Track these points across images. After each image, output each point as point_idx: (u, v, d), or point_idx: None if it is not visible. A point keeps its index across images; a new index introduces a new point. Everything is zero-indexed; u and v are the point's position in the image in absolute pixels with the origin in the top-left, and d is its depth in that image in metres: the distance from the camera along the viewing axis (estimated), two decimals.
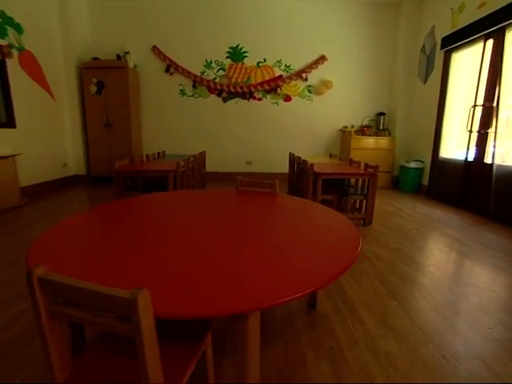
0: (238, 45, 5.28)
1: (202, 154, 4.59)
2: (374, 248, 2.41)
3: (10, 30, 3.85)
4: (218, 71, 5.37)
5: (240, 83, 5.39)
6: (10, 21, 3.84)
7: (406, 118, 5.19)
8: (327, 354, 1.22)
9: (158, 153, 4.38)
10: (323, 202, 3.23)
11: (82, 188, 4.77)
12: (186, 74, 5.32)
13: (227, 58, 5.33)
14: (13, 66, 3.89)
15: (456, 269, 2.09)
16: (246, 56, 5.32)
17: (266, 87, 5.40)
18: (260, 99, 5.48)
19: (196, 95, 5.44)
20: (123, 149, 5.09)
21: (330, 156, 4.70)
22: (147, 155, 3.86)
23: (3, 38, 3.74)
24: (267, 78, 5.39)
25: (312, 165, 2.88)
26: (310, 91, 5.46)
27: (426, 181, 4.65)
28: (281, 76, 5.38)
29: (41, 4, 4.35)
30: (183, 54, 5.28)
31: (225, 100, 5.47)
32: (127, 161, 3.12)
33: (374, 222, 3.13)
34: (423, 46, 4.81)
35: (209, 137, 5.61)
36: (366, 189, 3.01)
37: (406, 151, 5.22)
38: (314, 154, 5.60)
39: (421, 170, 4.71)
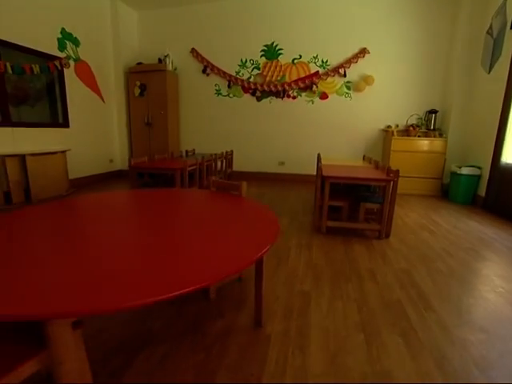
0: (272, 42, 5.16)
1: (228, 154, 4.62)
2: (374, 266, 2.08)
3: (69, 44, 4.44)
4: (252, 70, 5.34)
5: (274, 81, 5.27)
6: (69, 36, 4.44)
7: (462, 115, 4.39)
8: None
9: (187, 151, 4.57)
10: (332, 210, 2.96)
11: (124, 181, 5.26)
12: (222, 74, 5.42)
13: (262, 56, 5.26)
14: (69, 74, 4.49)
15: (472, 318, 1.65)
16: (280, 53, 5.17)
17: (301, 85, 5.17)
18: (295, 97, 5.27)
19: (231, 95, 5.50)
20: (161, 146, 5.45)
21: (364, 159, 4.27)
22: (172, 153, 4.06)
23: (62, 51, 4.34)
24: (302, 76, 5.15)
25: (321, 166, 2.63)
26: (348, 88, 5.03)
27: (483, 191, 3.86)
28: (317, 72, 5.08)
29: (96, 19, 4.91)
30: (219, 54, 5.40)
31: (258, 99, 5.41)
32: (146, 158, 3.32)
33: (394, 235, 2.72)
34: (490, 27, 3.99)
35: (242, 136, 5.63)
36: (383, 196, 2.63)
37: (460, 155, 4.42)
38: (351, 155, 5.17)
39: (477, 177, 3.93)
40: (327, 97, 5.15)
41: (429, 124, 4.72)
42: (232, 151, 4.74)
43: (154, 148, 5.49)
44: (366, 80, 4.86)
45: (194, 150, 4.83)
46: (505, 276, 1.98)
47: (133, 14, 5.55)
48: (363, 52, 4.82)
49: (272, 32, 5.13)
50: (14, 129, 3.77)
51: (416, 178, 4.54)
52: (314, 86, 5.12)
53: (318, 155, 4.04)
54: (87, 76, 4.82)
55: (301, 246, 2.44)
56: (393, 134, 4.69)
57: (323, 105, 5.19)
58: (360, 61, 4.87)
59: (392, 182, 2.50)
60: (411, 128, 4.62)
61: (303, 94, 5.24)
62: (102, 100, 5.20)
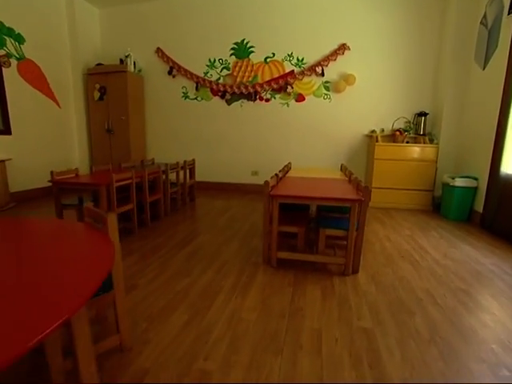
0: (243, 40, 4.65)
1: (188, 163, 4.07)
2: (324, 324, 1.49)
3: (9, 40, 3.94)
4: (221, 71, 4.83)
5: (245, 82, 4.75)
6: (9, 31, 3.94)
7: (456, 118, 3.82)
8: None
9: (142, 161, 4.02)
10: (284, 236, 2.38)
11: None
12: (189, 75, 4.91)
13: (232, 55, 4.75)
14: (11, 75, 3.98)
15: None
16: (252, 51, 4.66)
17: (275, 86, 4.64)
18: (268, 100, 4.74)
19: (199, 98, 4.98)
20: (123, 155, 4.91)
21: (341, 169, 3.70)
22: (120, 164, 3.52)
23: (0, 48, 3.84)
24: (276, 76, 4.63)
25: (267, 182, 2.06)
26: (327, 88, 4.50)
27: (480, 206, 3.27)
28: (292, 72, 4.56)
29: (47, 14, 4.43)
30: (186, 54, 4.90)
31: (228, 102, 4.88)
32: (68, 171, 2.76)
33: (366, 268, 2.13)
34: (484, 17, 3.46)
35: (212, 143, 5.09)
36: (356, 221, 2.04)
37: (454, 163, 3.85)
38: (332, 164, 4.60)
39: (473, 189, 3.34)
40: (304, 99, 4.61)
41: (418, 128, 4.16)
42: (194, 160, 4.20)
43: (116, 157, 4.95)
44: (347, 79, 4.32)
45: (153, 159, 4.29)
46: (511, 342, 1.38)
47: (94, 11, 5.07)
48: (342, 48, 4.30)
49: (242, 28, 4.62)
50: None
51: (403, 190, 3.95)
52: (289, 87, 4.59)
53: (288, 165, 3.49)
54: (35, 77, 4.32)
55: (237, 286, 1.85)
56: (377, 140, 4.13)
57: (300, 108, 4.65)
58: (339, 58, 4.35)
59: (359, 203, 1.92)
60: (398, 133, 4.06)
61: (277, 96, 4.71)
62: (57, 104, 4.69)
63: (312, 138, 4.70)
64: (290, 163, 3.81)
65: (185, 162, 3.92)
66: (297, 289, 1.84)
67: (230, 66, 4.78)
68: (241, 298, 1.72)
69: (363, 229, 1.98)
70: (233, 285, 1.88)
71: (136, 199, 2.83)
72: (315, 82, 4.52)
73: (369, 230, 3.10)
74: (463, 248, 2.61)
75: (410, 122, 4.24)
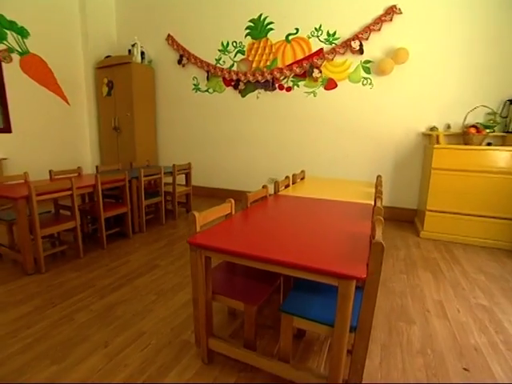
0: (260, 15, 3.75)
1: (183, 168, 3.37)
2: None
3: (11, 34, 3.75)
4: (235, 55, 4.00)
5: (262, 68, 3.84)
6: (11, 25, 3.74)
7: None
8: None
9: (131, 163, 3.46)
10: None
11: None
12: (199, 63, 4.21)
13: (247, 35, 3.88)
14: (12, 70, 3.79)
15: None
16: (271, 29, 3.72)
17: (297, 70, 3.63)
18: (289, 89, 3.76)
19: (210, 90, 4.25)
20: (130, 155, 4.48)
21: (377, 181, 2.56)
22: (96, 167, 3.00)
23: (0, 43, 3.66)
24: (301, 57, 3.62)
25: (193, 215, 1.18)
26: (367, 70, 3.32)
27: None
28: (321, 51, 3.49)
29: (56, 5, 4.18)
30: (197, 39, 4.20)
31: (243, 93, 4.04)
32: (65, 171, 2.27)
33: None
34: None
35: (223, 143, 4.32)
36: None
37: None
38: (374, 172, 3.43)
39: None
40: (335, 85, 3.50)
41: (509, 123, 2.74)
42: (189, 164, 3.48)
43: (123, 157, 4.54)
44: (396, 56, 3.08)
45: (148, 161, 3.70)
46: None
47: (109, 1, 4.73)
48: (390, 12, 3.07)
49: (259, 1, 3.72)
50: None
51: (476, 218, 2.62)
52: (316, 71, 3.53)
53: (297, 174, 2.53)
54: (40, 72, 4.10)
55: None
56: (437, 141, 2.85)
57: (330, 97, 3.55)
58: (385, 27, 3.13)
59: (357, 282, 0.90)
60: (472, 130, 2.71)
61: (301, 84, 3.68)
62: (66, 101, 4.46)
63: (345, 137, 3.57)
64: (303, 172, 2.82)
65: (174, 166, 3.22)
66: None
67: (245, 48, 3.92)
68: None
69: (369, 328, 0.95)
70: None
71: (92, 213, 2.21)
72: (351, 62, 3.37)
73: (409, 284, 1.97)
74: None
75: (494, 113, 2.82)
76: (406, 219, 3.44)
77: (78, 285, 1.86)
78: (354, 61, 3.35)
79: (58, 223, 2.10)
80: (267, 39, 3.77)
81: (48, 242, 2.45)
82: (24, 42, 3.89)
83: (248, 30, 3.86)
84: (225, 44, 4.03)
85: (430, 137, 3.08)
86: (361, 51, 3.26)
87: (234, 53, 3.99)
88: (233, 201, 1.45)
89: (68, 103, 4.49)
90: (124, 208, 2.60)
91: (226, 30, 3.99)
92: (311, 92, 3.65)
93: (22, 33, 3.86)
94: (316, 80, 3.57)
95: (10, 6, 3.69)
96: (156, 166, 3.35)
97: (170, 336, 1.40)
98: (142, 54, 4.41)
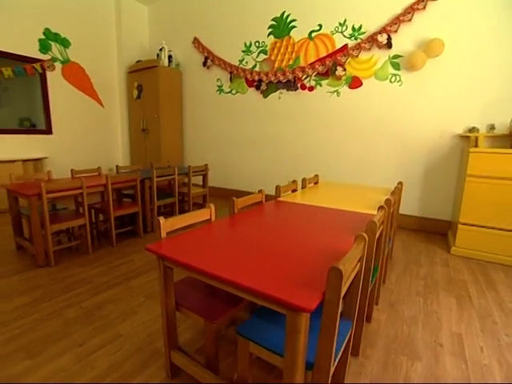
0: (283, 13, 3.63)
1: (201, 170, 3.39)
2: None
3: (54, 45, 4.11)
4: (258, 55, 3.93)
5: (285, 68, 3.72)
6: (55, 37, 4.10)
7: None
8: None
9: (152, 164, 3.56)
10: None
11: None
12: (223, 65, 4.22)
13: (269, 35, 3.79)
14: (55, 77, 4.16)
15: None
16: (293, 27, 3.59)
17: (320, 68, 3.44)
18: (312, 88, 3.58)
19: (233, 91, 4.24)
20: (156, 155, 4.65)
21: (395, 188, 2.31)
22: (117, 167, 3.14)
23: (45, 53, 4.03)
24: (323, 55, 3.42)
25: (158, 220, 1.12)
26: (396, 66, 3.01)
27: None
28: (345, 47, 3.26)
29: (96, 17, 4.49)
30: (222, 41, 4.21)
31: (265, 94, 3.95)
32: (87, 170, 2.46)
33: None
34: None
35: (245, 144, 4.28)
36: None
37: None
38: (402, 177, 3.12)
39: None
40: (360, 83, 3.25)
41: None
42: (206, 166, 3.48)
43: (150, 158, 4.73)
44: (429, 49, 2.75)
45: (169, 161, 3.79)
46: None
47: (142, 8, 4.97)
48: (423, 0, 2.75)
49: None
50: None
51: None
52: (340, 69, 3.31)
53: (309, 179, 2.38)
54: (79, 79, 4.45)
55: None
56: (476, 144, 2.48)
57: (354, 96, 3.31)
58: (416, 17, 2.81)
59: (302, 315, 0.76)
60: None
61: (323, 83, 3.48)
62: (101, 104, 4.78)
63: (370, 139, 3.29)
64: (317, 176, 2.65)
65: (189, 167, 3.25)
66: None
67: (268, 48, 3.83)
68: None
69: (327, 368, 0.80)
70: None
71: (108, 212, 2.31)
72: (378, 57, 3.10)
73: (425, 309, 1.71)
74: None
75: None
76: (437, 231, 3.06)
77: (78, 280, 1.93)
78: (381, 56, 3.07)
79: (69, 220, 2.21)
80: (290, 37, 3.63)
81: (65, 236, 2.61)
82: (66, 52, 4.24)
83: (271, 29, 3.76)
84: (248, 44, 3.98)
85: (467, 139, 2.70)
86: (389, 45, 2.98)
87: (257, 53, 3.93)
88: (213, 206, 1.37)
89: (102, 106, 4.81)
90: (135, 207, 2.67)
91: (249, 31, 3.94)
92: (334, 91, 3.43)
93: (64, 43, 4.22)
94: (339, 78, 3.35)
95: (54, 19, 4.04)
96: (175, 167, 3.41)
97: (145, 342, 1.37)
98: (170, 57, 4.56)
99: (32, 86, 4.03)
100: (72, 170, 2.75)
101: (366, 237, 0.96)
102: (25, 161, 3.77)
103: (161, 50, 4.44)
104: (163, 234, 1.13)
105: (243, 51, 4.04)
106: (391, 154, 3.21)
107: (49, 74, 4.10)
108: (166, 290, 1.07)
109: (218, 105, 4.43)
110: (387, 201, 1.59)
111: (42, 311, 1.59)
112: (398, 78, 3.02)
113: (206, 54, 4.37)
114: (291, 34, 3.62)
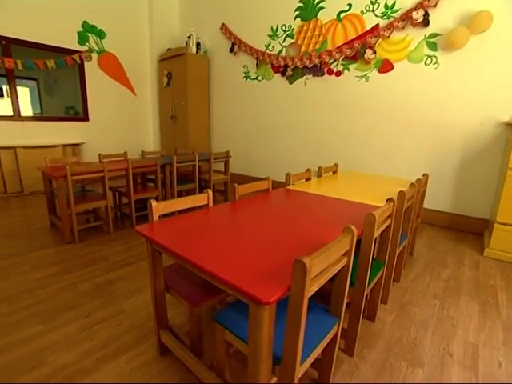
0: None
1: (222, 156, 3.42)
2: None
3: (91, 37, 4.34)
4: (284, 40, 3.79)
5: (311, 52, 3.55)
6: (92, 29, 4.33)
7: None
8: None
9: (176, 150, 3.67)
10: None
11: None
12: (249, 51, 4.15)
13: (296, 18, 3.62)
14: (91, 67, 4.41)
15: None
16: (321, 8, 3.38)
17: (348, 52, 3.23)
18: (339, 73, 3.38)
19: (259, 77, 4.16)
20: (184, 141, 4.78)
21: (418, 180, 2.12)
22: (142, 152, 3.29)
23: (83, 45, 4.28)
24: (352, 37, 3.20)
25: (150, 204, 1.15)
26: (432, 46, 2.72)
27: None
28: (376, 27, 3.01)
29: (128, 7, 4.65)
30: (249, 26, 4.13)
31: (290, 80, 3.83)
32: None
33: None
34: None
35: (270, 131, 4.21)
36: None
37: None
38: (434, 168, 2.87)
39: None
40: (391, 67, 2.99)
41: None
42: (228, 153, 3.48)
43: (178, 144, 4.88)
44: (473, 23, 2.43)
45: (194, 148, 3.87)
46: None
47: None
48: None
49: None
50: (25, 122, 3.94)
51: None
52: (370, 52, 3.07)
53: (319, 169, 2.30)
54: (113, 68, 4.67)
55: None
56: None
57: (384, 81, 3.06)
58: None
59: (263, 307, 0.73)
60: None
61: (351, 67, 3.27)
62: (133, 92, 5.00)
63: (401, 127, 3.05)
64: (336, 165, 2.53)
65: (210, 153, 3.29)
66: None
67: (294, 32, 3.67)
68: None
69: (293, 363, 0.76)
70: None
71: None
72: (412, 38, 2.81)
73: (440, 314, 1.58)
74: None
75: None
76: (471, 230, 2.78)
77: (96, 257, 2.08)
78: (415, 36, 2.79)
79: (93, 201, 2.37)
80: (317, 20, 3.44)
81: (92, 216, 2.81)
82: (101, 43, 4.46)
83: (298, 12, 3.59)
84: (274, 29, 3.85)
85: None
86: (425, 23, 2.68)
87: (283, 37, 3.79)
88: (210, 191, 1.37)
89: (135, 94, 5.02)
90: (155, 192, 2.78)
91: (275, 14, 3.80)
92: (363, 76, 3.20)
93: (101, 34, 4.44)
94: (369, 62, 3.11)
95: (91, 12, 4.26)
96: (196, 153, 3.48)
97: (144, 319, 1.44)
98: (198, 44, 4.58)
99: (76, 77, 4.33)
100: (100, 155, 2.93)
101: (355, 230, 0.88)
102: (64, 146, 4.10)
103: (189, 37, 4.48)
104: (155, 217, 1.15)
105: (269, 36, 3.92)
106: (422, 143, 2.94)
107: (86, 65, 4.36)
108: (154, 272, 1.10)
109: (245, 91, 4.39)
110: (400, 193, 1.47)
111: (61, 283, 1.74)
112: (434, 59, 2.72)
113: (233, 40, 4.32)
114: (319, 15, 3.42)
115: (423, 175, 2.10)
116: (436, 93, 2.76)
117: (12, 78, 3.80)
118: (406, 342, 1.36)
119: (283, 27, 3.77)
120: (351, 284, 1.13)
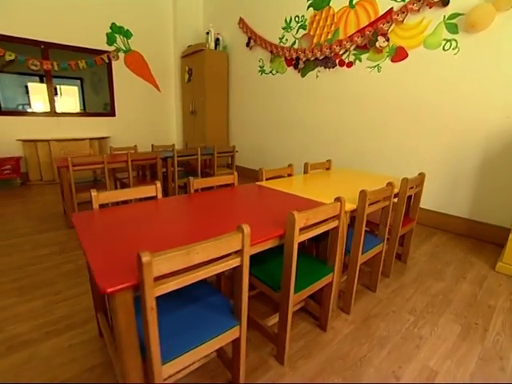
0: None
1: (228, 151, 3.45)
2: None
3: (119, 37, 4.65)
4: (297, 32, 3.66)
5: (323, 42, 3.38)
6: (119, 29, 4.64)
7: None
8: None
9: (186, 144, 3.80)
10: None
11: None
12: (264, 44, 4.09)
13: (309, 7, 3.46)
14: (118, 66, 4.74)
15: None
16: None
17: (359, 40, 3.00)
18: (350, 64, 3.18)
19: (273, 71, 4.09)
20: (202, 136, 4.91)
21: (402, 180, 1.91)
22: (152, 145, 3.46)
23: (111, 45, 4.61)
24: (365, 24, 2.96)
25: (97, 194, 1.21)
26: (452, 28, 2.40)
27: None
28: (390, 12, 2.75)
29: (153, 7, 4.87)
30: (264, 20, 4.07)
31: (302, 73, 3.69)
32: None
33: None
34: None
35: (283, 125, 4.13)
36: None
37: None
38: (451, 169, 2.58)
39: None
40: (406, 55, 2.71)
41: None
42: (234, 147, 3.47)
43: (197, 140, 5.03)
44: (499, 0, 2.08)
45: (205, 142, 3.97)
46: None
47: None
48: None
49: None
50: (60, 118, 4.39)
51: None
52: (382, 39, 2.82)
53: (306, 165, 2.22)
54: (139, 66, 4.95)
55: None
56: None
57: (397, 71, 2.79)
58: None
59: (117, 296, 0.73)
60: None
61: (363, 57, 3.04)
62: (157, 89, 5.25)
63: (414, 122, 2.76)
64: (329, 161, 2.40)
65: (214, 147, 3.33)
66: None
67: (307, 22, 3.52)
68: None
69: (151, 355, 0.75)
70: None
71: None
72: (429, 21, 2.51)
73: (409, 332, 1.42)
74: None
75: None
76: (492, 240, 2.43)
77: None
78: (433, 18, 2.48)
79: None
80: (329, 8, 3.25)
81: None
82: (128, 42, 4.75)
83: (311, 1, 3.43)
84: (288, 20, 3.73)
85: None
86: (444, 2, 2.37)
87: (296, 29, 3.66)
88: (158, 183, 1.40)
89: (159, 90, 5.27)
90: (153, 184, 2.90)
91: (289, 4, 3.67)
92: (375, 66, 2.96)
93: (127, 35, 4.72)
94: (381, 51, 2.86)
95: (119, 14, 4.55)
96: (199, 148, 3.54)
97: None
98: (217, 40, 4.64)
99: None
100: (111, 148, 3.15)
101: (246, 229, 0.83)
102: (91, 139, 4.48)
103: (207, 33, 4.55)
104: (95, 206, 1.21)
105: (283, 28, 3.82)
106: (437, 139, 2.63)
107: (113, 64, 4.69)
108: (86, 257, 1.16)
109: (260, 86, 4.34)
110: (362, 193, 1.35)
111: (49, 262, 1.93)
112: (453, 44, 2.40)
113: (249, 34, 4.29)
114: (331, 3, 3.23)
115: (419, 174, 1.90)
116: (455, 82, 2.45)
117: (49, 78, 4.24)
118: (352, 358, 1.25)
119: (296, 18, 3.63)
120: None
